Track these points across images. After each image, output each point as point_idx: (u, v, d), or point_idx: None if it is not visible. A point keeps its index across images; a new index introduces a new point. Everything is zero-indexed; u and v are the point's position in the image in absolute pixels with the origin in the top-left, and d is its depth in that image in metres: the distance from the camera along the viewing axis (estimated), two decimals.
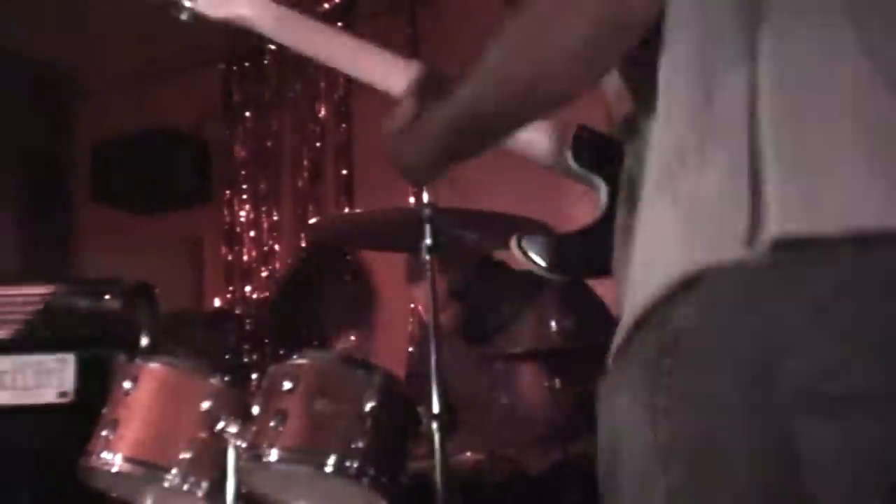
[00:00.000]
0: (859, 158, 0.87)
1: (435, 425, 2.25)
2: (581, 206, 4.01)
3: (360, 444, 2.24)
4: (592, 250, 1.21)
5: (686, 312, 0.90)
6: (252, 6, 1.39)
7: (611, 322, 1.09)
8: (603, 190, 1.29)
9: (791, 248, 0.85)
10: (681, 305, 0.90)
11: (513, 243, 1.26)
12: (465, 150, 1.19)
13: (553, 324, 2.64)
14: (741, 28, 0.93)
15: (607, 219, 1.14)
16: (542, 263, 1.29)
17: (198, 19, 1.47)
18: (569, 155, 1.33)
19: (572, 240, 1.30)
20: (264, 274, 4.84)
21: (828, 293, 0.85)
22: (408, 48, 4.47)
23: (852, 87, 0.90)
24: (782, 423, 0.84)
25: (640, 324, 0.95)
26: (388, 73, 1.35)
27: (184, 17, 1.47)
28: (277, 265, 4.84)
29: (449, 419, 2.23)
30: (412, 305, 4.13)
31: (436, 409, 2.22)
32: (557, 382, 2.58)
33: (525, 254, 1.28)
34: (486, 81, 1.09)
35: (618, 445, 0.97)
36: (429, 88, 1.28)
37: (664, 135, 0.97)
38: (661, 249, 0.94)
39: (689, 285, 0.89)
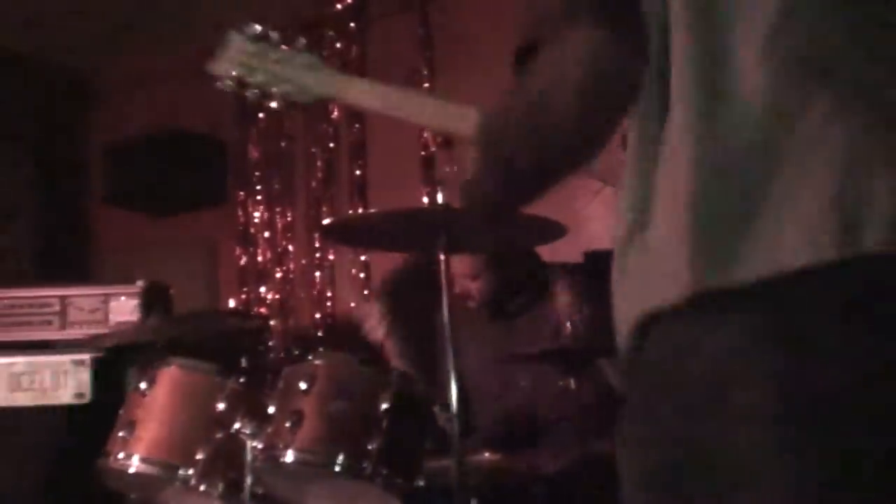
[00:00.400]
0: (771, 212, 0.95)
1: (453, 425, 2.25)
2: (594, 206, 4.02)
3: (375, 445, 2.24)
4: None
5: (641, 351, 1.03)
6: (337, 87, 1.52)
7: None
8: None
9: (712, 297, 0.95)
10: (638, 344, 1.03)
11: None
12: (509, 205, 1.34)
13: (568, 324, 2.64)
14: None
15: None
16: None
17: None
18: None
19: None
20: (279, 275, 4.85)
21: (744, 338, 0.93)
22: (420, 48, 4.47)
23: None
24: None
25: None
26: (456, 121, 1.41)
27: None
28: (291, 266, 4.85)
29: (465, 419, 2.22)
30: None
31: (453, 409, 2.22)
32: (572, 383, 2.57)
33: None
34: (497, 170, 1.19)
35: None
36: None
37: (625, 193, 1.07)
38: (630, 294, 1.05)
39: (644, 327, 1.01)
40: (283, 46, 1.60)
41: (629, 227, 1.06)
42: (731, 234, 0.95)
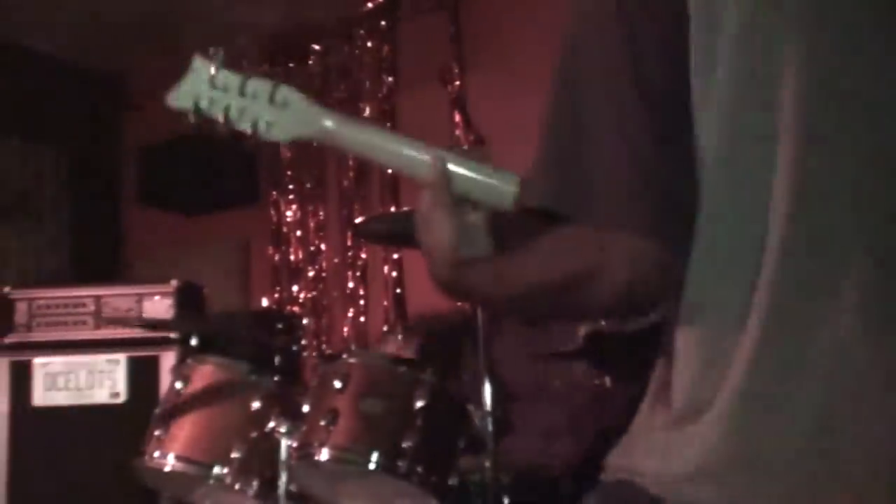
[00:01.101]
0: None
1: (487, 424, 2.24)
2: None
3: (410, 443, 2.24)
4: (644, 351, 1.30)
5: None
6: (307, 123, 1.41)
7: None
8: None
9: None
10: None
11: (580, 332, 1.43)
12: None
13: (602, 322, 2.62)
14: None
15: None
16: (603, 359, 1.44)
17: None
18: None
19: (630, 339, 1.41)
20: (311, 273, 4.86)
21: None
22: (450, 46, 4.46)
23: None
24: None
25: None
26: (413, 163, 1.35)
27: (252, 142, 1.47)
28: (324, 264, 4.85)
29: (502, 419, 2.22)
30: None
31: (488, 407, 2.21)
32: (608, 381, 2.56)
33: (591, 350, 1.42)
34: (516, 291, 1.21)
35: None
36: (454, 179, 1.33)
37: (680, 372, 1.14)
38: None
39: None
40: (255, 79, 1.43)
41: (681, 409, 1.12)
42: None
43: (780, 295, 1.05)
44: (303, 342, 4.64)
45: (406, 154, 1.36)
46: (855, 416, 1.03)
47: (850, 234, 1.05)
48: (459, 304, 1.36)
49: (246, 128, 1.41)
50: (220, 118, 1.40)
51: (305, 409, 2.39)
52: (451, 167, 1.31)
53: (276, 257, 4.97)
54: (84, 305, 3.67)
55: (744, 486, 1.05)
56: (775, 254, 1.05)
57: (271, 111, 1.41)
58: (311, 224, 4.91)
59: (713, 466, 1.06)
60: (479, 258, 1.25)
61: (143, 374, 3.54)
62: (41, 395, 3.56)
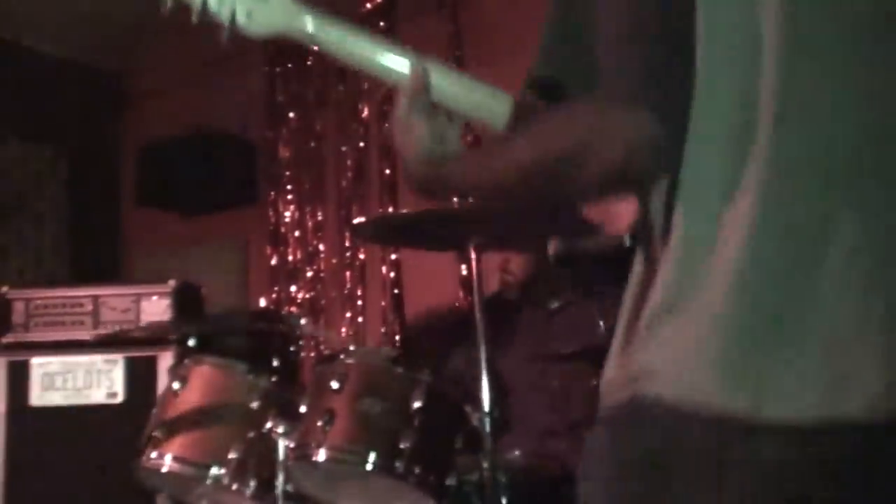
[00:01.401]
0: None
1: (485, 424, 2.24)
2: (622, 204, 3.99)
3: (407, 444, 2.23)
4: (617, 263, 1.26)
5: None
6: (287, 17, 1.37)
7: None
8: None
9: None
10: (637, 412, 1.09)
11: (550, 250, 1.35)
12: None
13: (601, 323, 2.62)
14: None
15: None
16: (576, 271, 1.38)
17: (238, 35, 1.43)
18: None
19: (608, 250, 1.34)
20: (309, 274, 4.86)
21: None
22: (449, 46, 4.46)
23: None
24: None
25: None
26: (395, 68, 1.35)
27: (225, 35, 1.40)
28: (322, 265, 4.85)
29: (500, 419, 2.21)
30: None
31: (486, 407, 2.21)
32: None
33: (560, 262, 1.35)
34: (507, 185, 1.21)
35: None
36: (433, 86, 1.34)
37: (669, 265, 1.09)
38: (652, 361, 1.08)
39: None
40: None
41: (666, 298, 1.08)
42: (761, 357, 1.00)
43: (774, 169, 1.03)
44: (300, 342, 4.65)
45: (387, 59, 1.36)
46: (869, 277, 1.00)
47: (842, 109, 1.04)
48: (439, 201, 1.35)
49: (223, 16, 1.38)
50: (197, 2, 1.37)
51: (303, 409, 2.39)
52: (439, 79, 1.32)
53: (275, 258, 4.97)
54: (82, 305, 3.67)
55: (768, 360, 1.00)
56: (769, 130, 1.03)
57: (252, 1, 1.37)
58: (310, 224, 4.91)
59: (731, 345, 1.01)
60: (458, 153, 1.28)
61: (140, 375, 3.54)
62: (38, 395, 3.56)
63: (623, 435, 1.10)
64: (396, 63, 1.34)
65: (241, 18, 1.33)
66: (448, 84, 1.34)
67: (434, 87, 1.35)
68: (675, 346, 1.05)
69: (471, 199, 1.34)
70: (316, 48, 1.38)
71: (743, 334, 1.01)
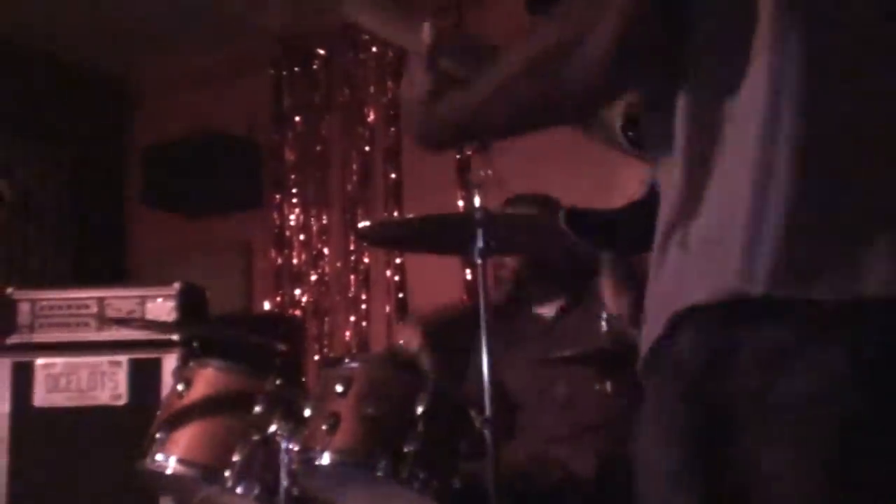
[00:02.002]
0: None
1: (487, 429, 2.24)
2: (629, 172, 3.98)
3: (412, 448, 2.23)
4: (640, 226, 1.20)
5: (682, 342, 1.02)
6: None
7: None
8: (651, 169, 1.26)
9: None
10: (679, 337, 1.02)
11: (561, 217, 1.28)
12: (477, 138, 1.33)
13: (604, 324, 2.62)
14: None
15: (653, 197, 1.15)
16: (590, 238, 1.31)
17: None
18: (619, 129, 1.31)
19: (620, 215, 1.29)
20: (313, 277, 4.86)
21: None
22: None
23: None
24: None
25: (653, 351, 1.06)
26: (405, 32, 1.37)
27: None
28: (326, 268, 4.86)
29: (504, 423, 2.21)
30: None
31: (488, 412, 2.21)
32: (609, 386, 2.56)
33: (573, 228, 1.28)
34: (497, 95, 1.17)
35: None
36: (445, 53, 1.33)
37: (670, 185, 1.06)
38: (671, 287, 1.04)
39: (686, 318, 1.00)
40: None
41: (674, 214, 1.04)
42: (805, 240, 0.95)
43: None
44: (304, 346, 4.65)
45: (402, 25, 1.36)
46: None
47: None
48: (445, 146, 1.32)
49: None
50: None
51: (307, 412, 2.39)
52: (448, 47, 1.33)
53: (279, 261, 4.97)
54: (87, 307, 3.67)
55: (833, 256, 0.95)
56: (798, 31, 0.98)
57: None
58: (315, 228, 4.92)
59: (795, 253, 0.96)
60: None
61: (144, 377, 3.54)
62: (43, 397, 3.56)
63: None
64: (411, 28, 1.36)
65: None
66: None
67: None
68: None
69: (467, 139, 1.31)
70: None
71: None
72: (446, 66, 1.32)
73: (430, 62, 1.30)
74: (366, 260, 4.72)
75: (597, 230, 1.31)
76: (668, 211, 1.05)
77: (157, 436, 2.56)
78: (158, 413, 2.68)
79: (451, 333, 3.10)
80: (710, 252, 0.99)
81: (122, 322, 3.50)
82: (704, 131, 1.02)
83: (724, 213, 0.99)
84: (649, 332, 1.06)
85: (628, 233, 1.29)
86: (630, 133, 1.29)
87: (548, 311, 3.09)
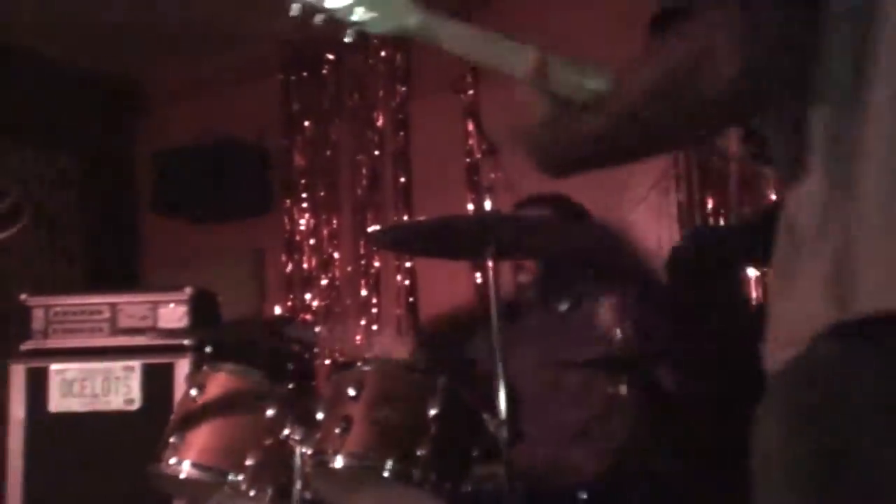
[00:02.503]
0: None
1: (501, 432, 2.24)
2: (639, 212, 3.99)
3: (424, 451, 2.25)
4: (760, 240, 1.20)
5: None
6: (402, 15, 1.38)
7: (681, 329, 1.11)
8: (772, 180, 1.25)
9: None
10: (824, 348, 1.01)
11: (684, 237, 1.28)
12: (605, 164, 1.28)
13: (618, 330, 2.62)
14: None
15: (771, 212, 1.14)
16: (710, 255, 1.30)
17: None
18: (741, 141, 1.30)
19: (738, 231, 1.28)
20: (324, 282, 4.87)
21: None
22: None
23: None
24: None
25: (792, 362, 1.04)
26: (509, 59, 1.36)
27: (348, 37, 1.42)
28: (337, 273, 4.87)
29: (514, 425, 2.22)
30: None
31: (502, 416, 2.22)
32: (622, 390, 2.56)
33: (695, 245, 1.27)
34: (626, 120, 1.14)
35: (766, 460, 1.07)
36: (550, 76, 1.30)
37: (807, 197, 1.03)
38: (811, 300, 1.02)
39: (834, 332, 0.99)
40: None
41: (808, 226, 1.03)
42: None
43: None
44: (315, 350, 4.66)
45: (503, 52, 1.37)
46: None
47: None
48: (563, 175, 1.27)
49: (345, 15, 1.38)
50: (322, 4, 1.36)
51: (319, 416, 2.40)
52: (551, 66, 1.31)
53: (290, 266, 4.98)
54: (100, 313, 3.70)
55: None
56: None
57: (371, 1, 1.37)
58: (325, 232, 4.93)
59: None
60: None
61: (157, 381, 3.56)
62: (57, 402, 3.59)
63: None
64: (513, 53, 1.35)
65: (362, 17, 1.34)
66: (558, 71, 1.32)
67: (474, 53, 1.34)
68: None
69: (594, 166, 1.26)
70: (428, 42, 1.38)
71: None
72: (556, 90, 1.29)
73: (539, 89, 1.29)
74: (376, 264, 4.73)
75: (716, 247, 1.31)
76: (804, 222, 1.04)
77: (171, 440, 2.58)
78: (172, 417, 2.69)
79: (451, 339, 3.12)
80: (850, 264, 0.99)
81: (135, 332, 3.53)
82: (840, 144, 1.01)
83: (863, 226, 0.99)
84: (784, 344, 1.06)
85: (747, 246, 1.28)
86: (750, 145, 1.27)
87: (561, 305, 3.09)
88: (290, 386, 2.61)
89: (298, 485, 2.42)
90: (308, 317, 4.87)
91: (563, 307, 3.08)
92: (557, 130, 1.25)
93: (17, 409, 3.56)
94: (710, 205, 3.75)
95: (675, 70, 1.05)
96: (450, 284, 4.28)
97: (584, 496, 2.55)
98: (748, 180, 3.67)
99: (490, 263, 2.38)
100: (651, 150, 1.22)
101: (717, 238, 1.18)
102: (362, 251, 4.78)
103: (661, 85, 1.07)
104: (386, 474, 2.25)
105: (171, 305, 3.70)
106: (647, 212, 3.86)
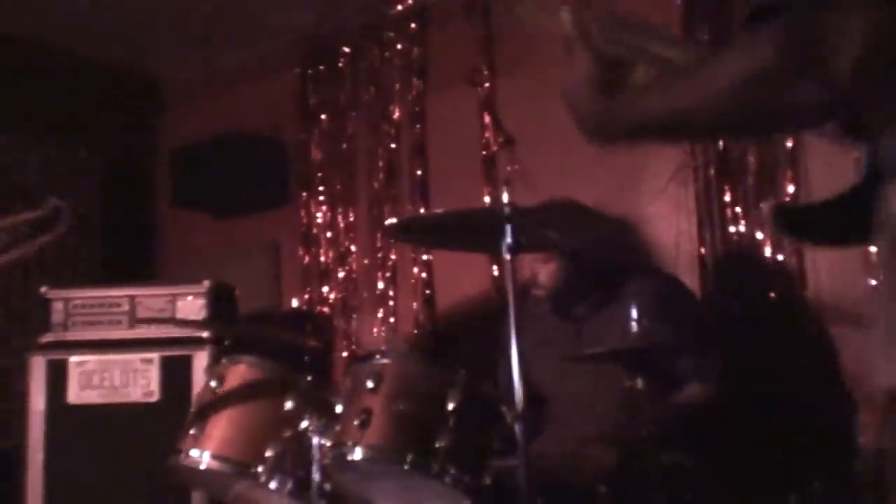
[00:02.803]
0: None
1: (518, 425, 2.24)
2: (657, 204, 3.98)
3: (443, 443, 2.25)
4: (841, 220, 1.17)
5: None
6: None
7: (697, 320, 1.09)
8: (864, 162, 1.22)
9: None
10: None
11: (765, 208, 1.26)
12: (671, 138, 1.25)
13: (634, 324, 2.61)
14: None
15: (859, 190, 1.11)
16: (797, 234, 1.27)
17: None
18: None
19: (828, 207, 1.24)
20: (341, 274, 4.88)
21: None
22: (481, 49, 4.48)
23: None
24: None
25: None
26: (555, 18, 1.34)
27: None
28: (354, 265, 4.88)
29: (534, 419, 2.22)
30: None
31: (519, 408, 2.22)
32: (640, 383, 2.55)
33: (778, 224, 1.25)
34: (710, 103, 1.10)
35: None
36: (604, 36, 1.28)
37: None
38: None
39: None
40: None
41: None
42: None
43: None
44: (332, 343, 4.67)
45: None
46: None
47: None
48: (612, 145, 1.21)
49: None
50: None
51: (339, 409, 2.41)
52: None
53: (307, 258, 5.00)
54: (119, 305, 3.72)
55: None
56: None
57: None
58: (342, 225, 4.94)
59: None
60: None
61: (176, 374, 3.58)
62: (76, 394, 3.61)
63: None
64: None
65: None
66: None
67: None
68: None
69: (648, 136, 1.22)
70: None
71: None
72: (610, 49, 1.26)
73: (580, 47, 1.26)
74: (393, 257, 4.74)
75: (803, 225, 1.27)
76: None
77: (191, 432, 2.59)
78: (191, 409, 2.71)
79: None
80: None
81: (154, 321, 3.54)
82: None
83: None
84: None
85: (838, 224, 1.23)
86: (845, 123, 1.23)
87: (579, 309, 3.09)
88: (309, 378, 2.62)
89: (317, 476, 2.43)
90: (325, 309, 4.88)
91: (581, 312, 3.09)
92: (619, 101, 1.21)
93: (37, 401, 3.59)
94: (728, 197, 3.73)
95: (783, 61, 1.02)
96: (467, 277, 4.29)
97: (603, 490, 2.55)
98: (766, 172, 3.66)
99: (507, 256, 2.38)
100: (740, 133, 1.19)
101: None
102: (379, 244, 4.79)
103: (760, 75, 1.04)
104: (405, 467, 2.26)
105: (190, 298, 3.71)
106: (665, 204, 3.85)
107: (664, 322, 2.76)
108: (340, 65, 5.00)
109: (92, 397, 3.61)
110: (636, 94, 1.19)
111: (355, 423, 2.30)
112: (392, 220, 4.49)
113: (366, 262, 4.83)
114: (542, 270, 3.08)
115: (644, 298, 2.80)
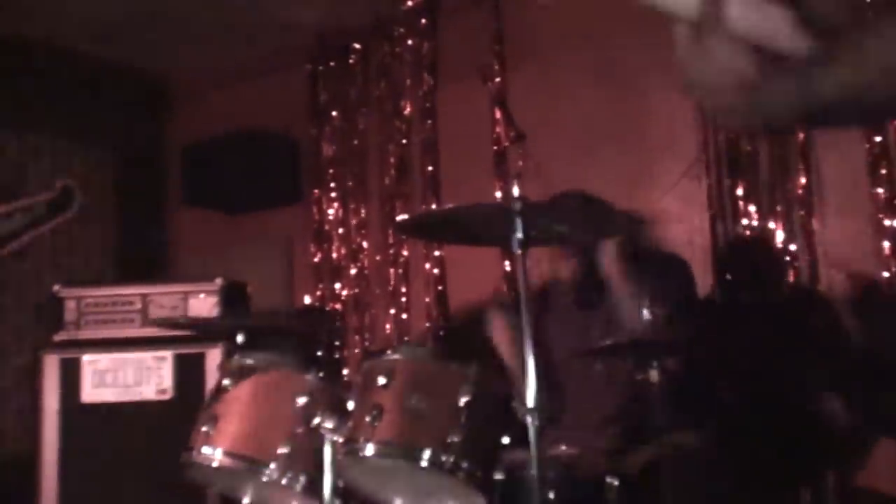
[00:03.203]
0: None
1: (531, 420, 2.24)
2: (668, 200, 3.96)
3: (455, 439, 2.24)
4: None
5: None
6: None
7: (708, 312, 1.07)
8: None
9: None
10: None
11: None
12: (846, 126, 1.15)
13: (645, 311, 2.61)
14: None
15: None
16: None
17: None
18: None
19: None
20: (353, 271, 4.89)
21: None
22: (491, 43, 4.47)
23: None
24: None
25: None
26: None
27: None
28: (366, 262, 4.89)
29: (547, 414, 2.21)
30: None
31: (531, 403, 2.21)
32: (652, 375, 2.55)
33: None
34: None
35: None
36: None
37: None
38: None
39: None
40: None
41: None
42: None
43: None
44: (344, 339, 4.68)
45: None
46: None
47: None
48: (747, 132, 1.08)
49: None
50: None
51: (350, 405, 2.41)
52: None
53: (319, 255, 5.00)
54: (131, 303, 3.73)
55: None
56: None
57: None
58: (353, 222, 4.94)
59: None
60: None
61: (189, 371, 3.59)
62: (90, 392, 3.62)
63: None
64: None
65: None
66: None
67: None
68: None
69: (794, 122, 1.12)
70: None
71: None
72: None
73: (714, 30, 1.15)
74: (405, 253, 4.74)
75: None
76: None
77: (204, 428, 2.58)
78: (204, 406, 2.70)
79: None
80: None
81: (167, 323, 3.55)
82: None
83: None
84: None
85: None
86: None
87: (600, 302, 3.09)
88: (321, 374, 2.61)
89: (330, 473, 2.42)
90: (337, 306, 4.88)
91: (600, 306, 3.09)
92: (777, 84, 1.06)
93: (51, 400, 3.60)
94: (740, 191, 3.72)
95: None
96: (479, 272, 4.29)
97: (615, 482, 2.55)
98: (779, 165, 3.64)
99: (518, 251, 2.37)
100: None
101: None
102: (391, 240, 4.79)
103: None
104: (417, 462, 2.25)
105: (202, 296, 3.72)
106: (678, 199, 3.84)
107: (678, 313, 2.75)
108: (351, 61, 5.00)
109: (105, 395, 3.62)
110: (801, 72, 1.04)
111: (367, 419, 2.29)
112: (403, 216, 4.49)
113: (378, 258, 4.83)
114: (564, 266, 3.08)
115: (659, 291, 2.79)
